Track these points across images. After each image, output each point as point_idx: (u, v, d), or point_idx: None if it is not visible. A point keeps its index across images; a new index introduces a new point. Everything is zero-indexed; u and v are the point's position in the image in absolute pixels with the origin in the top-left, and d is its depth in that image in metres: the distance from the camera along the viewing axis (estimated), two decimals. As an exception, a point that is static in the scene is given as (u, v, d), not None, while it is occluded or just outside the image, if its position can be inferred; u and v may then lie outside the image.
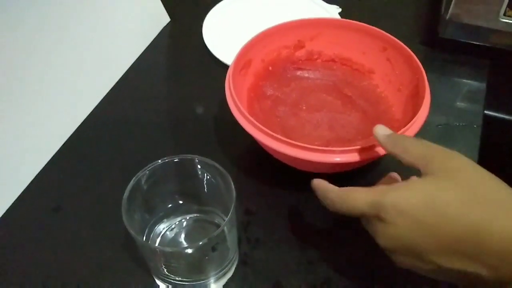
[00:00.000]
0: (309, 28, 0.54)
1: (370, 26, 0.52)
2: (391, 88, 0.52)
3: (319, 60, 0.56)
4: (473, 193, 0.29)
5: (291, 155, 0.40)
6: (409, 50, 0.48)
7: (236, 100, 0.43)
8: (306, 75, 0.56)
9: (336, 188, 0.36)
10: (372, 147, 0.39)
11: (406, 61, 0.49)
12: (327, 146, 0.40)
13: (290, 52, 0.56)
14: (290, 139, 0.40)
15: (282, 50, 0.55)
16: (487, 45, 0.61)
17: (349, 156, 0.39)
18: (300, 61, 0.56)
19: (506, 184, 0.30)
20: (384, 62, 0.52)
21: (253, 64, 0.53)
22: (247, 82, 0.53)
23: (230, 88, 0.45)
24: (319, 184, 0.37)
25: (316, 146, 0.39)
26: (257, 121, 0.41)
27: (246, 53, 0.51)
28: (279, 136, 0.40)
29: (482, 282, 0.29)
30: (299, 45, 0.55)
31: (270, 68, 0.55)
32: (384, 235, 0.32)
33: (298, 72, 0.56)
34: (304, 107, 0.53)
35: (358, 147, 0.39)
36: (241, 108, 0.43)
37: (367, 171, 0.47)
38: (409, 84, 0.49)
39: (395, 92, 0.51)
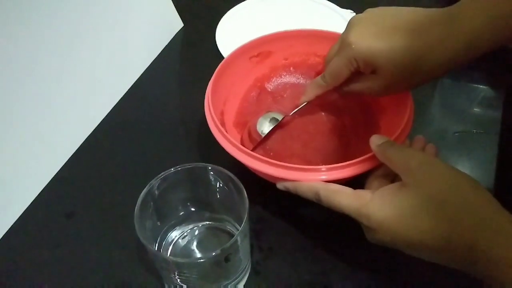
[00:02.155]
0: None
1: None
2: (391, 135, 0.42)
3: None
4: (444, 208, 0.31)
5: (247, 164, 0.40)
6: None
7: (210, 102, 0.44)
8: None
9: (322, 186, 0.37)
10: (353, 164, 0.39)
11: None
12: (288, 160, 0.41)
13: (317, 62, 0.54)
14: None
15: (310, 57, 0.54)
16: (505, 49, 0.60)
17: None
18: None
19: (477, 194, 0.32)
20: (394, 106, 0.47)
21: (273, 58, 0.53)
22: (259, 71, 0.54)
23: (210, 89, 0.46)
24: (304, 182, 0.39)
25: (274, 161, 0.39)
26: (242, 109, 0.43)
27: (264, 44, 0.52)
28: (234, 141, 0.41)
29: None
30: None
31: (292, 68, 0.55)
32: (368, 236, 0.36)
33: None
34: (296, 116, 0.52)
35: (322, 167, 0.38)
36: (212, 110, 0.44)
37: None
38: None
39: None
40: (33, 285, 0.41)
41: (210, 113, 0.44)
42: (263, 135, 0.46)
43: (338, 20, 0.68)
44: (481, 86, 0.60)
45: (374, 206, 0.34)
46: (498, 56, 0.60)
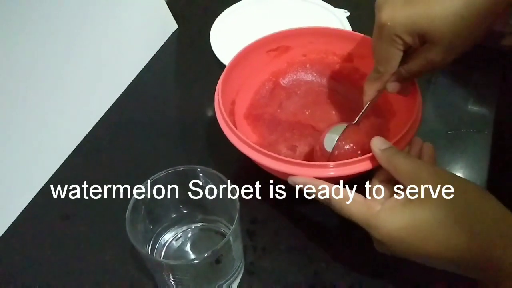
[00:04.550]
0: (364, 46, 0.49)
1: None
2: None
3: (359, 81, 0.51)
4: (460, 219, 0.31)
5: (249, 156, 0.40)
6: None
7: (220, 99, 0.44)
8: (336, 87, 0.54)
9: (335, 191, 0.37)
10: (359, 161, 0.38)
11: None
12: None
13: (335, 61, 0.53)
14: (270, 130, 0.43)
15: (329, 55, 0.53)
16: (499, 48, 0.60)
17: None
18: (340, 74, 0.54)
19: (486, 202, 0.32)
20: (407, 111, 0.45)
21: (291, 53, 0.53)
22: (275, 65, 0.54)
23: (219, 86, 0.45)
24: (318, 181, 0.38)
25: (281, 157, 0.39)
26: (255, 101, 0.45)
27: (283, 38, 0.52)
28: (240, 134, 0.41)
29: None
30: (348, 58, 0.53)
31: (308, 66, 0.54)
32: (377, 246, 0.36)
33: (331, 83, 0.54)
34: (307, 113, 0.52)
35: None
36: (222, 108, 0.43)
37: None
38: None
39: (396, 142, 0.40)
40: (28, 287, 0.41)
41: (219, 103, 0.43)
42: (330, 150, 0.44)
43: (332, 19, 0.69)
44: (474, 85, 0.59)
45: (384, 217, 0.33)
46: (491, 55, 0.60)
